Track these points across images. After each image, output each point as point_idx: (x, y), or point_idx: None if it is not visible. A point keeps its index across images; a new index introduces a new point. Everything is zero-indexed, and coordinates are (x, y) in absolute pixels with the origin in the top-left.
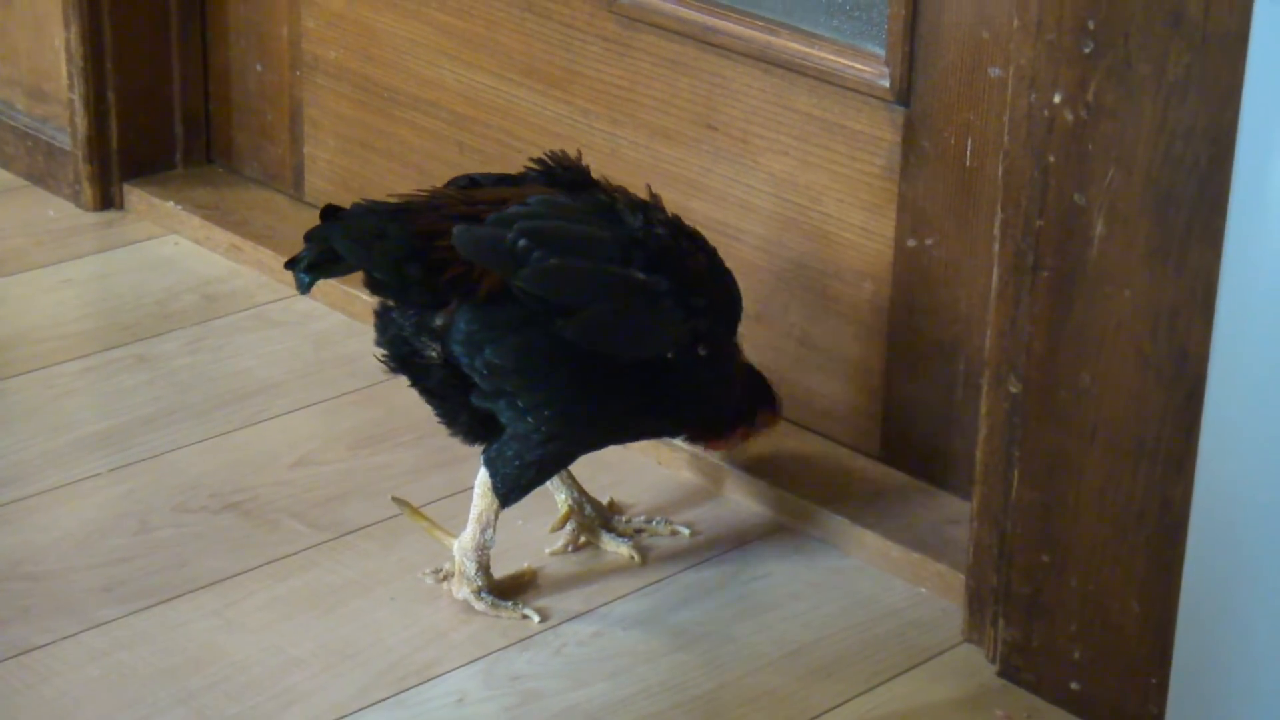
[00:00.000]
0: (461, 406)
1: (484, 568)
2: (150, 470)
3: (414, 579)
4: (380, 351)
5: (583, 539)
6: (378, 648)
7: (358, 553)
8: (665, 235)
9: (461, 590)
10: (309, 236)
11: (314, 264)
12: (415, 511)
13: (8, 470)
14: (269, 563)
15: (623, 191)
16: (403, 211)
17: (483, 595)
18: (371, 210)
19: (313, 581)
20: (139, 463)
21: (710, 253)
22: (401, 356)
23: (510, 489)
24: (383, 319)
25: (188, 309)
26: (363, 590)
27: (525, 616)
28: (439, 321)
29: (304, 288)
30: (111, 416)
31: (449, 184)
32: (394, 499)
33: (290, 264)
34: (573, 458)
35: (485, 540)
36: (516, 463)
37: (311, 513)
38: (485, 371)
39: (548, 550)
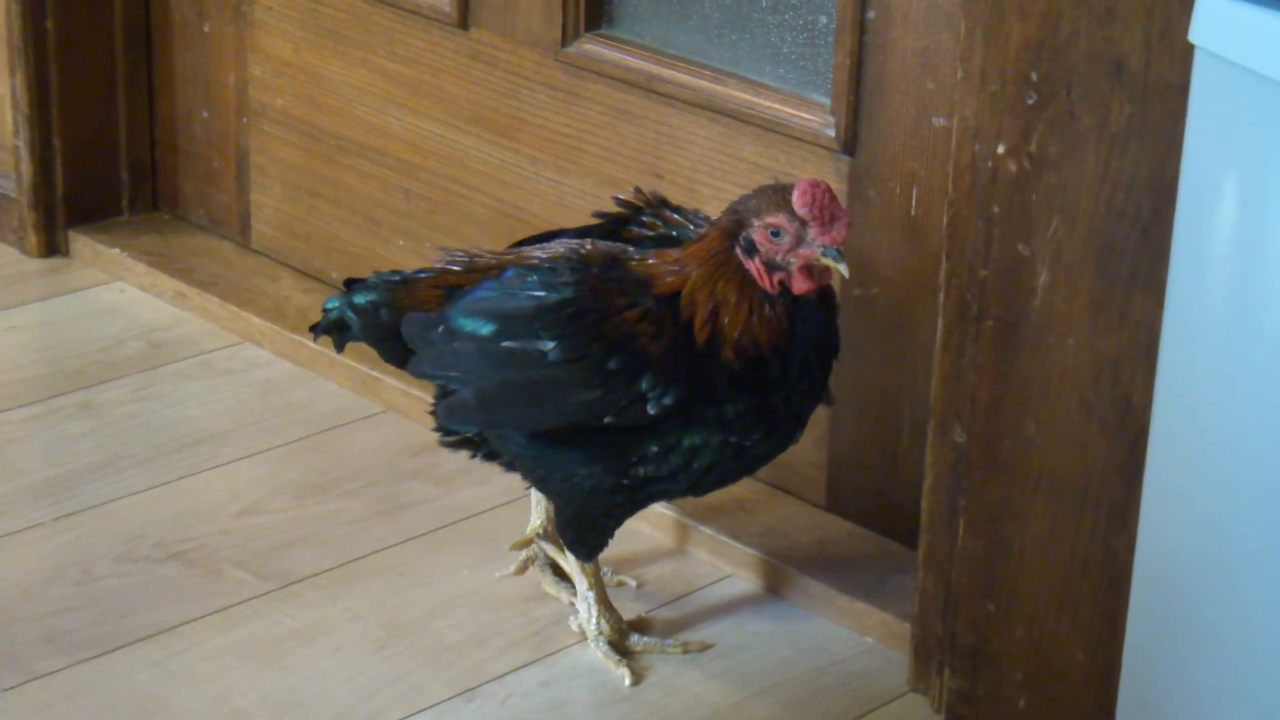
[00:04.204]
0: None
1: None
2: (94, 519)
3: (360, 629)
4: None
5: (529, 569)
6: (323, 699)
7: (303, 602)
8: (588, 296)
9: (599, 642)
10: (326, 307)
11: (328, 329)
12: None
13: None
14: (213, 613)
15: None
16: (400, 284)
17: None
18: (376, 285)
19: (258, 631)
20: (83, 511)
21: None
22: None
23: (584, 550)
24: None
25: (133, 356)
26: (307, 640)
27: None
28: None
29: (338, 348)
30: (56, 465)
31: (513, 245)
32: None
33: (312, 329)
34: (606, 512)
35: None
36: (572, 530)
37: (256, 562)
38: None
39: (497, 574)
